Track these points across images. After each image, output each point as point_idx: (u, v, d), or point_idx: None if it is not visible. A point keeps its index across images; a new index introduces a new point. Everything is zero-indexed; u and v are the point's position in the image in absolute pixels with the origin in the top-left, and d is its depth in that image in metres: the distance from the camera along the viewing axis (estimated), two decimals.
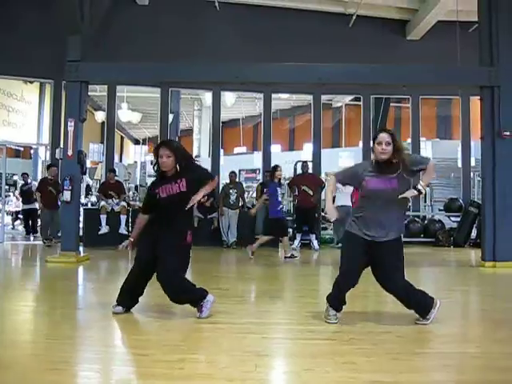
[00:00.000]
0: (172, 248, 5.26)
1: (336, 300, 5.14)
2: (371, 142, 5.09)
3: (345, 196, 12.58)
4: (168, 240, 5.26)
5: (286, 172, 19.73)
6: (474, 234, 13.77)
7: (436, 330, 4.83)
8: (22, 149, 23.47)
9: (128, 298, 5.39)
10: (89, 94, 10.76)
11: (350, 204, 12.47)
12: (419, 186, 4.91)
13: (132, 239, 5.50)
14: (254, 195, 14.59)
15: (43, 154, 15.98)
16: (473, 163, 15.23)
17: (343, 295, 5.15)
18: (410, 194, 4.92)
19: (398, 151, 4.86)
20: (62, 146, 10.40)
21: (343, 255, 5.18)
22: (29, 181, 15.80)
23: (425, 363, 3.86)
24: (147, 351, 4.06)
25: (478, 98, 10.19)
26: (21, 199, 16.32)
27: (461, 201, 14.66)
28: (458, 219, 14.23)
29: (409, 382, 3.46)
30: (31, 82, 14.64)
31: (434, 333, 4.77)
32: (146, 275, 5.32)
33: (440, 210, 15.98)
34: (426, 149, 19.04)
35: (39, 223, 14.29)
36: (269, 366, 3.87)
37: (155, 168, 5.44)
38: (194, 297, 5.21)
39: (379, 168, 4.91)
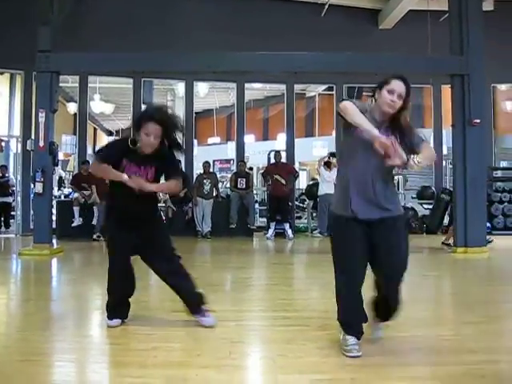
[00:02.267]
0: (161, 231, 4.75)
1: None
2: (372, 90, 3.87)
3: (328, 184, 12.72)
4: (151, 225, 4.53)
5: (260, 162, 19.84)
6: (446, 220, 13.94)
7: (408, 313, 4.89)
8: None
9: (123, 305, 4.61)
10: (60, 85, 10.67)
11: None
12: (412, 160, 3.55)
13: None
14: (228, 185, 14.60)
15: (14, 146, 15.78)
16: (445, 151, 15.40)
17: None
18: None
19: (405, 111, 3.77)
20: (33, 137, 10.29)
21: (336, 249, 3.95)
22: (6, 174, 15.64)
23: (397, 346, 3.92)
24: (121, 340, 4.06)
25: (449, 86, 10.31)
26: None
27: (433, 188, 14.83)
28: (431, 207, 14.39)
29: (381, 365, 3.51)
30: (1, 74, 14.45)
31: (406, 316, 4.81)
32: (131, 270, 4.62)
33: (413, 197, 16.14)
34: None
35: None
36: (243, 353, 3.90)
37: (133, 145, 4.27)
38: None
39: (376, 122, 3.70)
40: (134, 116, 4.40)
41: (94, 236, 11.92)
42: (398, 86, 3.69)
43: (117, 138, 4.67)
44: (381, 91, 3.72)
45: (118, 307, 4.53)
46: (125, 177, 4.19)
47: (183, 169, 13.60)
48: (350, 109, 3.64)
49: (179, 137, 4.37)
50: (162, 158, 4.33)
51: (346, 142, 3.86)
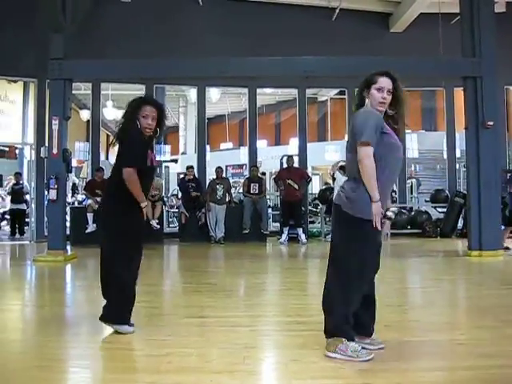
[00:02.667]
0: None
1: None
2: (359, 91, 3.91)
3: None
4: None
5: (273, 167, 19.83)
6: (460, 224, 13.86)
7: (422, 318, 4.87)
8: (7, 149, 23.32)
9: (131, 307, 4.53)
10: (73, 92, 10.74)
11: None
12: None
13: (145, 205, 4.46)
14: (241, 190, 14.60)
15: (28, 154, 15.89)
16: (458, 154, 15.31)
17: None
18: None
19: (400, 103, 3.82)
20: (46, 144, 10.35)
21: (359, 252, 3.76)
22: (21, 181, 15.80)
23: (412, 351, 3.90)
24: (134, 346, 4.07)
25: (462, 89, 10.27)
26: (9, 198, 16.29)
27: (447, 192, 14.74)
28: (445, 210, 14.31)
29: (396, 369, 3.49)
30: (15, 82, 14.52)
31: (420, 321, 4.81)
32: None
33: (426, 201, 16.06)
34: (412, 141, 19.14)
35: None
36: (257, 358, 3.89)
37: (135, 131, 4.43)
38: None
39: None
40: (129, 104, 4.56)
41: None
42: (385, 82, 3.75)
43: (131, 130, 4.52)
44: (370, 91, 3.78)
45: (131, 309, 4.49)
46: (144, 203, 4.43)
47: (196, 174, 13.67)
48: (370, 171, 3.60)
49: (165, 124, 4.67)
50: (152, 142, 4.64)
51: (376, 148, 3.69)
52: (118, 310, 4.39)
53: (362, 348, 3.70)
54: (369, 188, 3.59)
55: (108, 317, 4.39)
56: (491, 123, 9.64)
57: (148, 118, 4.41)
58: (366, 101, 3.83)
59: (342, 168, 13.47)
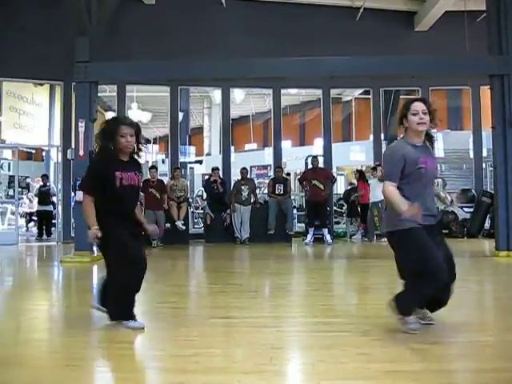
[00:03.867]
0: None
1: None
2: (398, 119, 4.41)
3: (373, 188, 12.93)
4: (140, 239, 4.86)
5: (297, 167, 19.80)
6: (487, 224, 13.70)
7: (450, 319, 4.81)
8: (33, 151, 23.60)
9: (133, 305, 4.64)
10: (99, 94, 10.82)
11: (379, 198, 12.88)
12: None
13: (95, 229, 4.46)
14: (266, 191, 14.61)
15: (55, 156, 16.08)
16: (484, 153, 15.14)
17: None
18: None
19: (434, 122, 4.38)
20: (73, 146, 10.45)
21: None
22: (48, 183, 16.00)
23: (440, 352, 3.85)
24: (161, 346, 4.08)
25: (488, 87, 10.15)
26: (36, 200, 16.51)
27: (473, 191, 14.59)
28: (471, 210, 14.16)
29: (424, 371, 3.45)
30: (41, 85, 14.71)
31: (447, 322, 4.75)
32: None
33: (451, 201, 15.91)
34: (437, 140, 18.94)
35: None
36: (284, 359, 3.88)
37: (105, 151, 4.62)
38: None
39: (416, 147, 4.31)
40: (101, 130, 4.76)
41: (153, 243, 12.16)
42: (418, 106, 4.26)
43: (94, 156, 4.64)
44: (407, 118, 4.29)
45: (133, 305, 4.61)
46: (93, 228, 4.46)
47: (221, 175, 13.69)
48: (395, 199, 4.22)
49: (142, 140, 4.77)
50: (137, 164, 4.78)
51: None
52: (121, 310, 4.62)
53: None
54: (399, 208, 4.15)
55: (113, 316, 4.65)
56: None
57: (126, 135, 4.52)
58: (400, 135, 4.51)
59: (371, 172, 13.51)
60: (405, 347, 3.94)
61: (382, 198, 13.08)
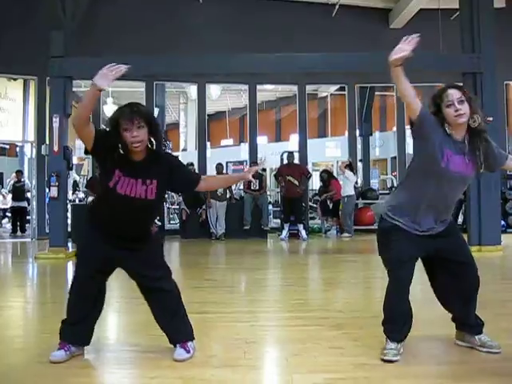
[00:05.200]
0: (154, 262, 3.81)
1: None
2: (429, 108, 3.61)
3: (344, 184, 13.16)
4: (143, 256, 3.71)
5: (273, 163, 19.86)
6: (460, 219, 13.87)
7: (420, 313, 4.88)
8: (7, 146, 23.36)
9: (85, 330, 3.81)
10: (73, 89, 10.74)
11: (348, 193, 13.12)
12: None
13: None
14: (241, 187, 14.64)
15: (29, 151, 15.95)
16: None
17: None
18: None
19: (476, 113, 3.50)
20: (47, 142, 10.38)
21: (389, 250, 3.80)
22: (22, 179, 15.86)
23: (411, 346, 3.92)
24: (137, 341, 4.10)
25: (461, 84, 10.27)
26: (11, 196, 16.37)
27: None
28: None
29: (396, 364, 3.52)
30: (15, 79, 14.56)
31: (418, 316, 4.81)
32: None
33: None
34: (411, 136, 19.11)
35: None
36: (257, 353, 3.92)
37: (115, 154, 3.48)
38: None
39: (460, 144, 3.55)
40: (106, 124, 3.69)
41: None
42: (452, 94, 3.51)
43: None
44: (443, 111, 3.54)
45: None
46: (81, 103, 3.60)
47: (196, 171, 13.68)
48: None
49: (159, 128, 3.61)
50: (162, 165, 3.57)
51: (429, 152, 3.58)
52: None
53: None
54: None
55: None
56: (491, 119, 9.58)
57: (131, 129, 3.38)
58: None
59: (349, 166, 13.62)
60: (376, 340, 4.00)
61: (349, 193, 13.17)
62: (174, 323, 3.78)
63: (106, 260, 3.66)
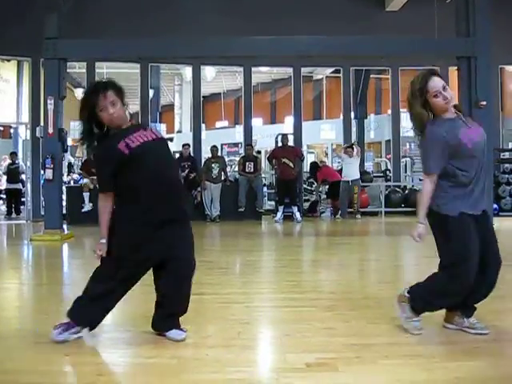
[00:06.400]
0: (189, 243, 3.76)
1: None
2: (413, 100, 3.68)
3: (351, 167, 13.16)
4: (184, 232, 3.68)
5: (268, 145, 19.89)
6: None
7: None
8: (1, 128, 23.28)
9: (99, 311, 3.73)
10: (68, 70, 10.72)
11: (358, 176, 13.20)
12: None
13: (103, 242, 3.55)
14: (236, 169, 14.67)
15: (23, 133, 15.92)
16: None
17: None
18: None
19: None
20: (42, 124, 10.38)
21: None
22: (16, 161, 15.84)
23: (400, 326, 3.99)
24: (133, 322, 4.16)
25: (456, 68, 10.30)
26: (5, 178, 16.34)
27: None
28: None
29: (384, 343, 3.60)
30: (8, 61, 14.50)
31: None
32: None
33: (420, 180, 16.06)
34: (407, 120, 19.14)
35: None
36: (251, 333, 3.99)
37: (87, 133, 3.61)
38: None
39: (452, 121, 3.66)
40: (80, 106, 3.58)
41: None
42: (435, 83, 3.61)
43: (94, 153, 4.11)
44: (429, 101, 3.62)
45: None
46: (102, 240, 3.56)
47: (191, 153, 13.71)
48: (421, 206, 3.76)
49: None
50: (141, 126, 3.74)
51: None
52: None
53: None
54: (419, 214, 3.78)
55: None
56: (484, 103, 9.68)
57: (106, 107, 3.49)
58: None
59: (347, 150, 13.65)
60: (367, 321, 4.09)
61: (358, 176, 13.27)
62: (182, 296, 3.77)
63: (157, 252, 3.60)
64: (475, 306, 3.83)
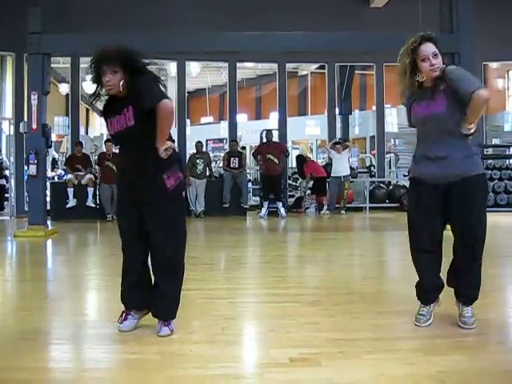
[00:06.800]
0: (160, 217, 3.65)
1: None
2: (407, 62, 3.75)
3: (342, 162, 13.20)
4: (149, 200, 3.63)
5: (253, 141, 19.89)
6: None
7: (396, 290, 5.03)
8: None
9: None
10: (52, 65, 10.65)
11: (349, 172, 13.26)
12: (463, 130, 3.67)
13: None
14: (221, 165, 14.67)
15: (7, 129, 15.80)
16: None
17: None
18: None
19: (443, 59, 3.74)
20: (25, 119, 10.31)
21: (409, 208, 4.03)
22: (0, 156, 15.71)
23: (384, 321, 4.03)
24: (116, 318, 4.15)
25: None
26: None
27: None
28: None
29: (368, 338, 3.62)
30: None
31: (394, 293, 4.96)
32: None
33: (405, 175, 16.22)
34: (391, 115, 19.28)
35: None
36: (235, 328, 4.00)
37: (99, 92, 3.75)
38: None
39: (422, 92, 3.80)
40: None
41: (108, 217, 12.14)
42: (426, 50, 3.69)
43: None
44: (418, 63, 3.71)
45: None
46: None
47: (176, 149, 13.66)
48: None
49: (140, 60, 3.75)
50: (134, 88, 3.55)
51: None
52: None
53: None
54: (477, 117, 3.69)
55: None
56: None
57: (105, 74, 3.58)
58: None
59: (335, 147, 13.70)
60: (351, 316, 4.12)
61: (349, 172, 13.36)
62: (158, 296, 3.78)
63: (134, 221, 3.70)
64: (466, 294, 3.86)
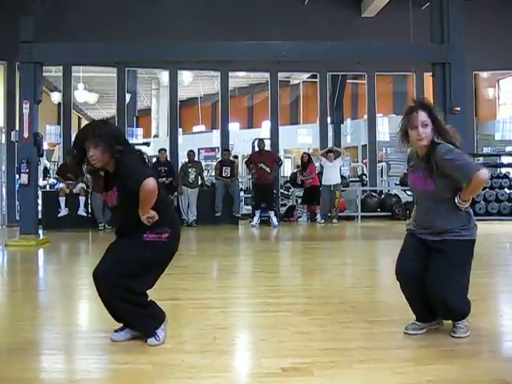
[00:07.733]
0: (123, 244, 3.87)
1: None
2: (400, 124, 3.81)
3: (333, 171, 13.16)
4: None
5: (245, 150, 19.93)
6: None
7: (387, 299, 5.04)
8: None
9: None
10: (44, 74, 10.64)
11: (339, 181, 13.25)
12: (457, 203, 3.73)
13: None
14: (213, 174, 14.67)
15: None
16: None
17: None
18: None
19: (441, 131, 3.74)
20: (17, 128, 10.29)
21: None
22: None
23: (376, 330, 4.04)
24: (109, 328, 4.13)
25: (431, 74, 10.42)
26: None
27: None
28: None
29: (359, 348, 3.63)
30: None
31: (385, 302, 4.98)
32: None
33: (396, 184, 16.32)
34: (383, 124, 19.36)
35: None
36: (227, 338, 3.99)
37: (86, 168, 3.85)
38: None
39: (417, 159, 3.86)
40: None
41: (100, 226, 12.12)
42: (418, 118, 3.68)
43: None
44: (408, 132, 3.75)
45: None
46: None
47: (168, 158, 13.67)
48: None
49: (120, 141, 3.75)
50: (119, 170, 3.70)
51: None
52: None
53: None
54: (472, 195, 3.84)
55: None
56: (458, 109, 9.80)
57: (89, 149, 3.64)
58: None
59: (327, 155, 13.71)
60: (342, 326, 4.13)
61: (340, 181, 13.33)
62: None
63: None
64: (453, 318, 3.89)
